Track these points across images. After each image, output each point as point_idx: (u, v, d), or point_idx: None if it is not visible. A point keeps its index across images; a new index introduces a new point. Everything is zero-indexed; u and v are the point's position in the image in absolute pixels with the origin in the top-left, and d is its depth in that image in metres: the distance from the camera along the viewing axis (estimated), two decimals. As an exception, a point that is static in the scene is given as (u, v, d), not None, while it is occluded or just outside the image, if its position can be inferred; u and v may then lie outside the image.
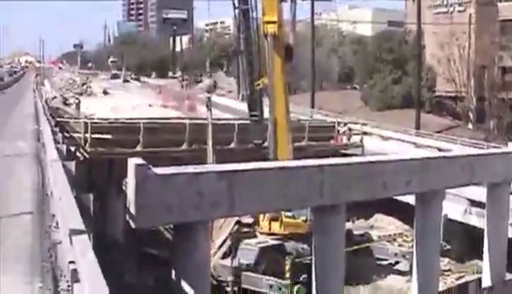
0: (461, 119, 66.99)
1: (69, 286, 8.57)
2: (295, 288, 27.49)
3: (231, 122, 39.88)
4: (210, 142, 32.17)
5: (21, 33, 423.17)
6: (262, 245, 29.33)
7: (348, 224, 29.73)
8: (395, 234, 37.35)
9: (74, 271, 7.80)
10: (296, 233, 30.00)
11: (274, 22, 29.79)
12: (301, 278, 27.15)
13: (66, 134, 31.85)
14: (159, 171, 15.19)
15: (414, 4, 68.28)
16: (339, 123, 44.45)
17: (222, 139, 35.02)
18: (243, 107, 33.69)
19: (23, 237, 12.18)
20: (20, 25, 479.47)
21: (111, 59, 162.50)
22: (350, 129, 44.59)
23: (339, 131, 43.08)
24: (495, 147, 39.74)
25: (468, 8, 69.50)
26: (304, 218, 30.08)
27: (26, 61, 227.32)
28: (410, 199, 26.06)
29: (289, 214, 29.96)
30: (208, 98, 34.87)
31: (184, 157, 31.17)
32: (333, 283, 19.36)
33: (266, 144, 30.84)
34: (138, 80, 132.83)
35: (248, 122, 32.90)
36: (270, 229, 30.43)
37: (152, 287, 28.74)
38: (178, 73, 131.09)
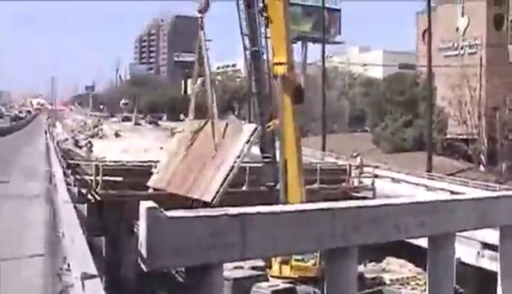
0: (473, 161, 66.75)
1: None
2: None
3: (243, 164, 39.88)
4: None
5: (33, 73, 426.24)
6: (273, 289, 29.17)
7: (360, 268, 29.52)
8: (407, 278, 37.09)
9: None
10: (306, 276, 29.83)
11: (284, 63, 29.55)
12: None
13: (78, 176, 31.93)
14: (171, 213, 15.17)
15: (425, 46, 68.49)
16: (350, 166, 44.41)
17: (234, 181, 34.96)
18: (255, 150, 33.52)
19: (33, 279, 12.14)
20: (32, 65, 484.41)
21: (123, 101, 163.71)
22: (362, 172, 44.60)
23: (350, 173, 43.06)
24: (507, 189, 39.59)
25: (479, 51, 69.68)
26: (314, 261, 29.93)
27: (38, 103, 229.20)
28: (422, 242, 25.89)
29: (299, 257, 29.81)
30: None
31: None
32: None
33: (278, 186, 30.71)
34: (155, 123, 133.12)
35: (260, 164, 32.84)
36: (280, 273, 30.27)
37: None
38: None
